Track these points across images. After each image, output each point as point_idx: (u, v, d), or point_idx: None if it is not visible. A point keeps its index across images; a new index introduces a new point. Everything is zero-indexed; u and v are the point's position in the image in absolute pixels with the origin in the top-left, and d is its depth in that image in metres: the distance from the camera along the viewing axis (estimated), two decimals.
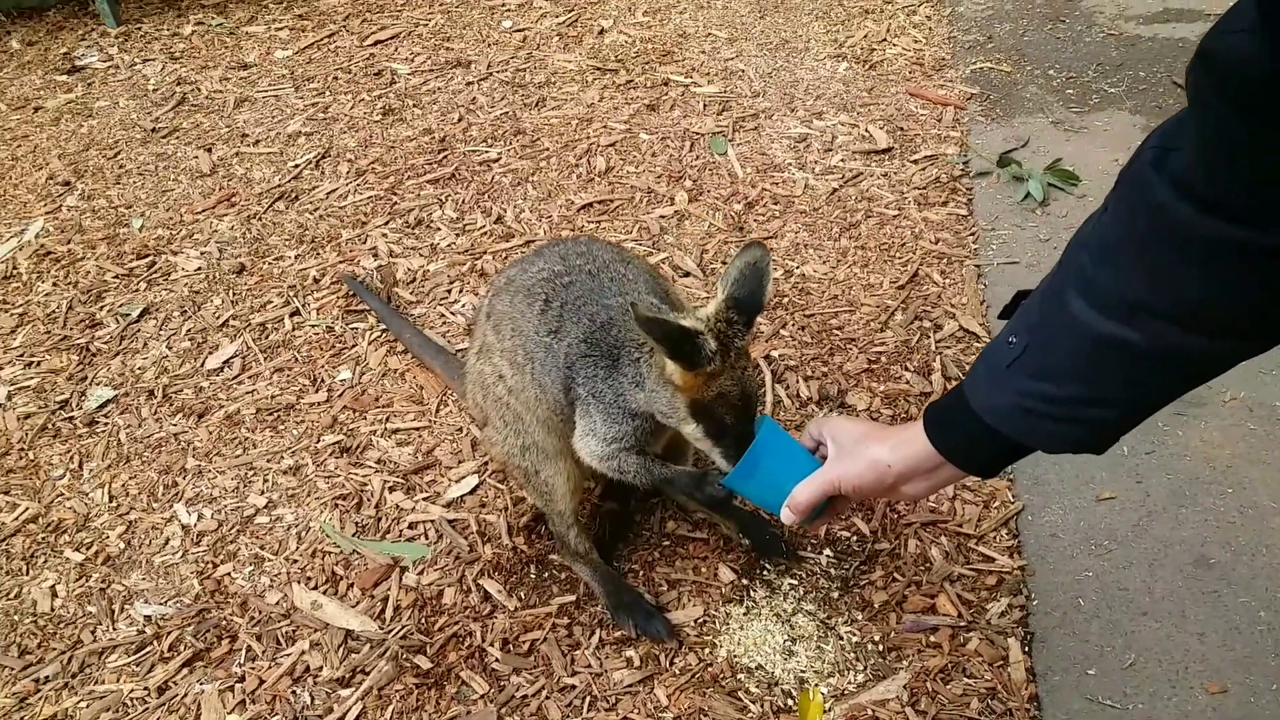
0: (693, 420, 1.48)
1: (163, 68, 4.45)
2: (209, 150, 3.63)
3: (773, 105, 3.23)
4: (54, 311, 2.92)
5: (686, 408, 1.47)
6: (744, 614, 1.81)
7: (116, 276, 3.02)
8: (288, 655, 1.86)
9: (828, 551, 1.89)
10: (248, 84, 4.09)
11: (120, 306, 2.88)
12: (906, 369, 2.21)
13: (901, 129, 3.01)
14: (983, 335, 2.25)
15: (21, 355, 2.78)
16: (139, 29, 4.94)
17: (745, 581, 1.86)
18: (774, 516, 1.39)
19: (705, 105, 3.28)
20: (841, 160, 2.93)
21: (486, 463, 2.16)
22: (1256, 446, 1.94)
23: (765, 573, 1.87)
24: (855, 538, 1.91)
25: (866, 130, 3.03)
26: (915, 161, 2.87)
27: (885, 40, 3.48)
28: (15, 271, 3.15)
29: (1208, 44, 0.80)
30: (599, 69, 3.60)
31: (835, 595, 1.82)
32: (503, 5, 4.28)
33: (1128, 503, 1.89)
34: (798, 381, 2.22)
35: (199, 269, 2.97)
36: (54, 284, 3.06)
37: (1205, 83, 0.82)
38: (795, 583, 1.85)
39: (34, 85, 4.59)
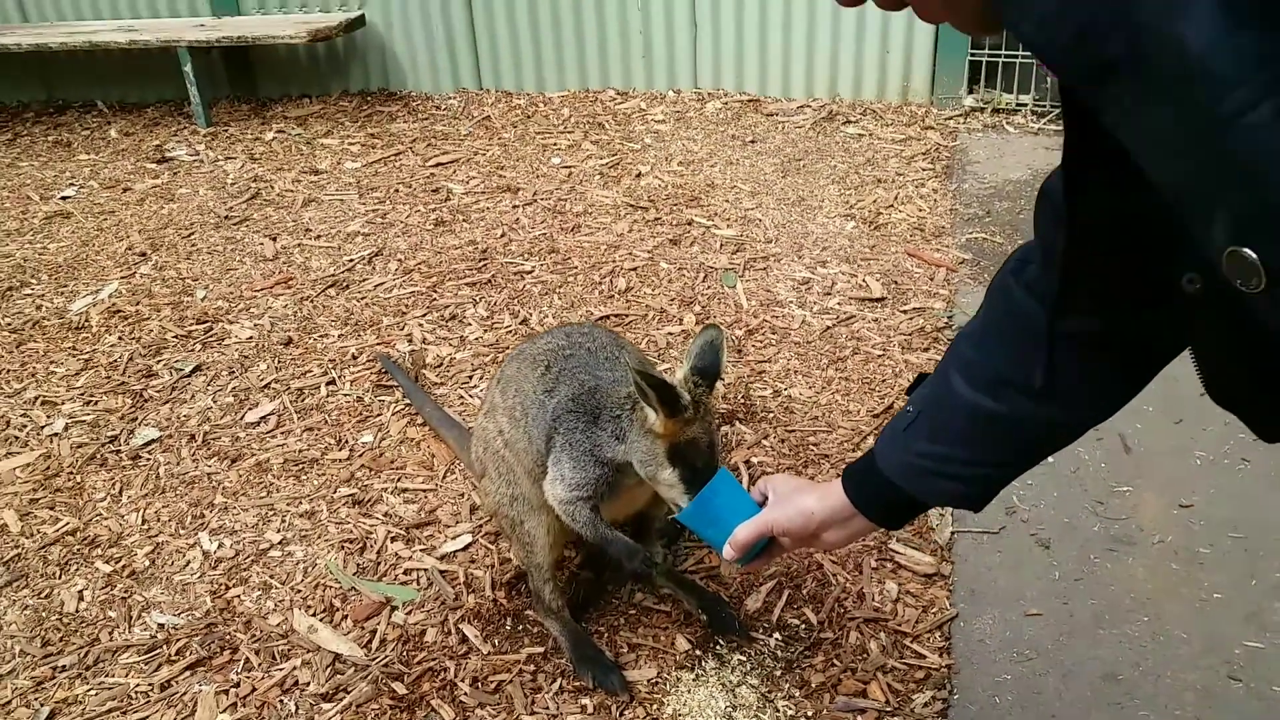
0: (669, 465, 1.72)
1: (242, 166, 4.91)
2: (274, 239, 4.02)
3: (783, 251, 3.56)
4: (116, 360, 3.24)
5: (665, 453, 1.72)
6: (693, 679, 2.00)
7: (176, 336, 3.35)
8: (281, 669, 2.07)
9: (777, 635, 2.09)
10: (317, 187, 4.52)
11: (175, 362, 3.19)
12: None
13: (896, 282, 3.32)
14: None
15: (82, 394, 3.08)
16: (226, 130, 5.47)
17: (699, 652, 2.05)
18: (719, 559, 1.62)
19: (722, 245, 3.62)
20: (838, 303, 3.23)
21: (480, 524, 2.40)
22: (1175, 584, 2.13)
23: (718, 647, 2.06)
24: (804, 626, 2.11)
25: (864, 280, 3.34)
26: (904, 311, 3.17)
27: (892, 206, 3.84)
28: (87, 324, 3.49)
29: (1045, 185, 1.09)
30: (632, 206, 3.99)
31: (778, 674, 2.00)
32: (554, 145, 4.73)
33: (1052, 620, 2.08)
34: None
35: (250, 337, 3.29)
36: (119, 337, 3.38)
37: (1042, 213, 1.10)
38: (744, 659, 2.04)
39: (125, 170, 5.07)
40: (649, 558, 1.87)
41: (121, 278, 3.82)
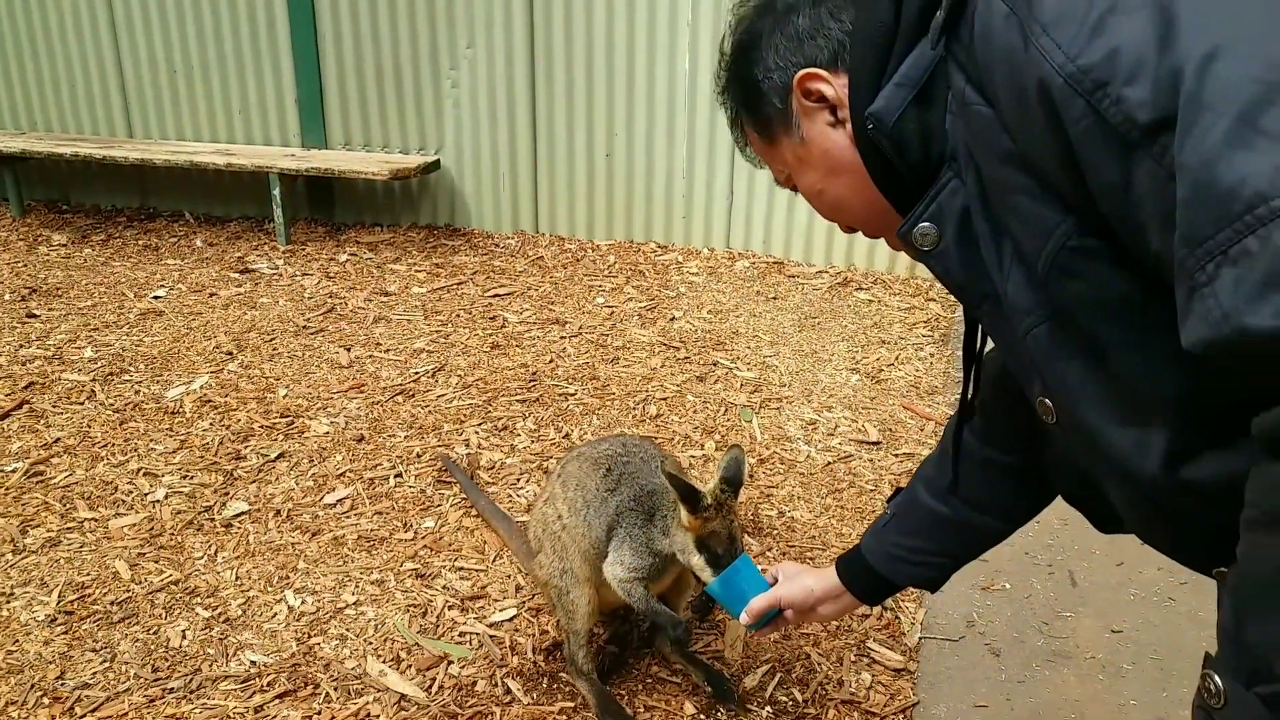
0: (697, 552, 2.17)
1: (318, 282, 5.50)
2: (348, 350, 4.56)
3: (795, 395, 4.08)
4: (209, 443, 3.73)
5: (693, 542, 2.17)
6: None
7: (261, 426, 3.84)
8: (355, 703, 2.48)
9: (769, 709, 2.49)
10: (386, 307, 5.09)
11: (261, 448, 3.68)
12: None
13: (891, 430, 3.81)
14: None
15: (179, 469, 3.56)
16: (303, 249, 6.09)
17: (702, 717, 2.46)
18: (734, 620, 2.07)
19: (742, 385, 4.14)
20: (839, 443, 3.72)
21: (524, 601, 2.83)
22: (1100, 692, 2.54)
23: (719, 714, 2.47)
24: (791, 702, 2.52)
25: (863, 426, 3.84)
26: (896, 455, 3.64)
27: (893, 364, 4.37)
28: (181, 410, 4.00)
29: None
30: (665, 344, 4.53)
31: None
32: (600, 286, 5.32)
33: (996, 712, 2.48)
34: None
35: (327, 432, 3.79)
36: (210, 424, 3.88)
37: (982, 375, 1.60)
38: None
39: (210, 277, 5.67)
40: (688, 627, 2.31)
41: (210, 372, 4.35)
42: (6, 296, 5.32)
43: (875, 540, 1.84)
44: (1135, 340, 1.01)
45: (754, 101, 1.33)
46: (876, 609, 2.81)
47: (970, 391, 1.55)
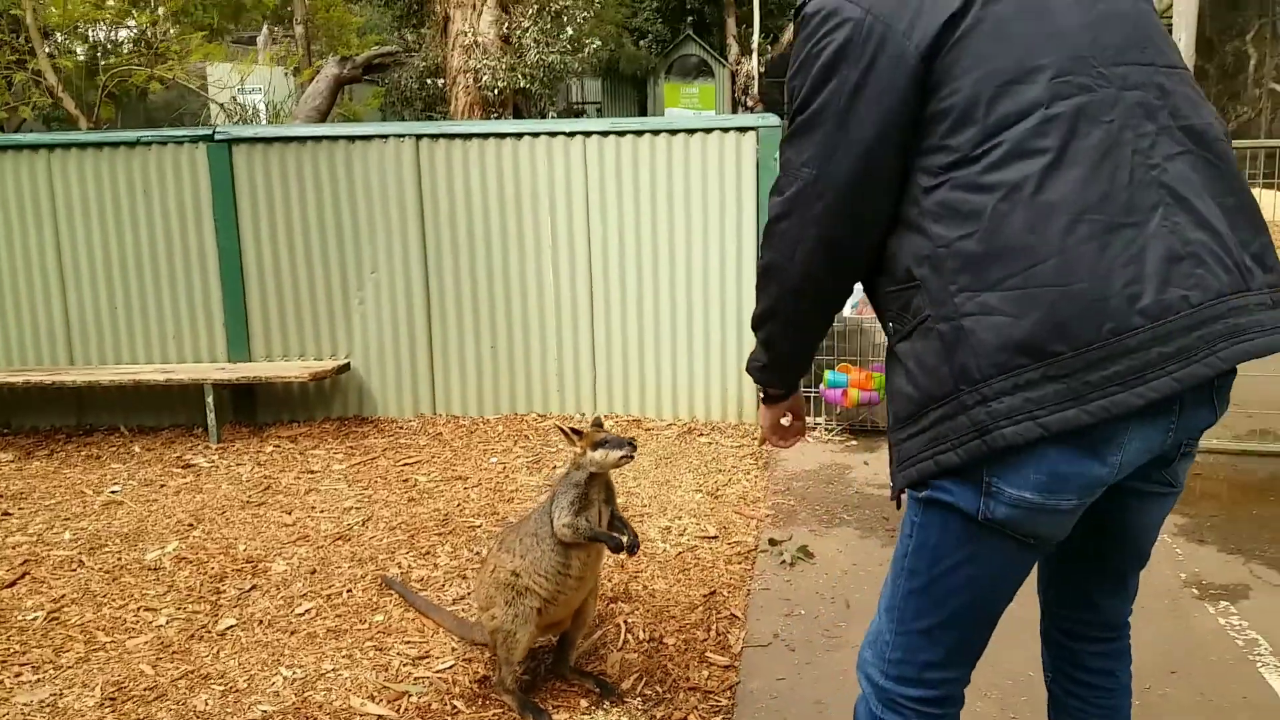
0: (595, 450, 3.25)
1: (252, 469, 6.53)
2: (289, 514, 5.59)
3: (654, 511, 5.31)
4: (192, 585, 4.69)
5: (590, 450, 3.27)
6: (588, 718, 3.49)
7: (232, 570, 4.83)
8: None
9: (638, 699, 3.60)
10: (314, 481, 6.16)
11: (236, 584, 4.67)
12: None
13: (725, 528, 5.06)
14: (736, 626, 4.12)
15: (173, 604, 4.50)
16: (233, 445, 7.11)
17: (593, 707, 3.55)
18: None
19: None
20: (687, 539, 4.94)
21: (459, 659, 3.89)
22: None
23: (605, 705, 3.56)
24: (653, 693, 3.63)
25: (705, 527, 5.08)
26: (729, 544, 4.88)
27: (727, 485, 5.67)
28: (162, 566, 4.95)
29: None
30: (550, 486, 5.73)
31: (639, 716, 3.51)
32: (492, 449, 6.52)
33: (791, 684, 3.63)
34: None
35: (286, 570, 4.80)
36: (189, 573, 4.84)
37: None
38: (619, 711, 3.54)
39: (156, 473, 6.62)
40: (626, 543, 3.35)
41: (179, 539, 5.31)
42: None
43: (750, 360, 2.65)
44: None
45: None
46: (712, 631, 3.99)
47: None
